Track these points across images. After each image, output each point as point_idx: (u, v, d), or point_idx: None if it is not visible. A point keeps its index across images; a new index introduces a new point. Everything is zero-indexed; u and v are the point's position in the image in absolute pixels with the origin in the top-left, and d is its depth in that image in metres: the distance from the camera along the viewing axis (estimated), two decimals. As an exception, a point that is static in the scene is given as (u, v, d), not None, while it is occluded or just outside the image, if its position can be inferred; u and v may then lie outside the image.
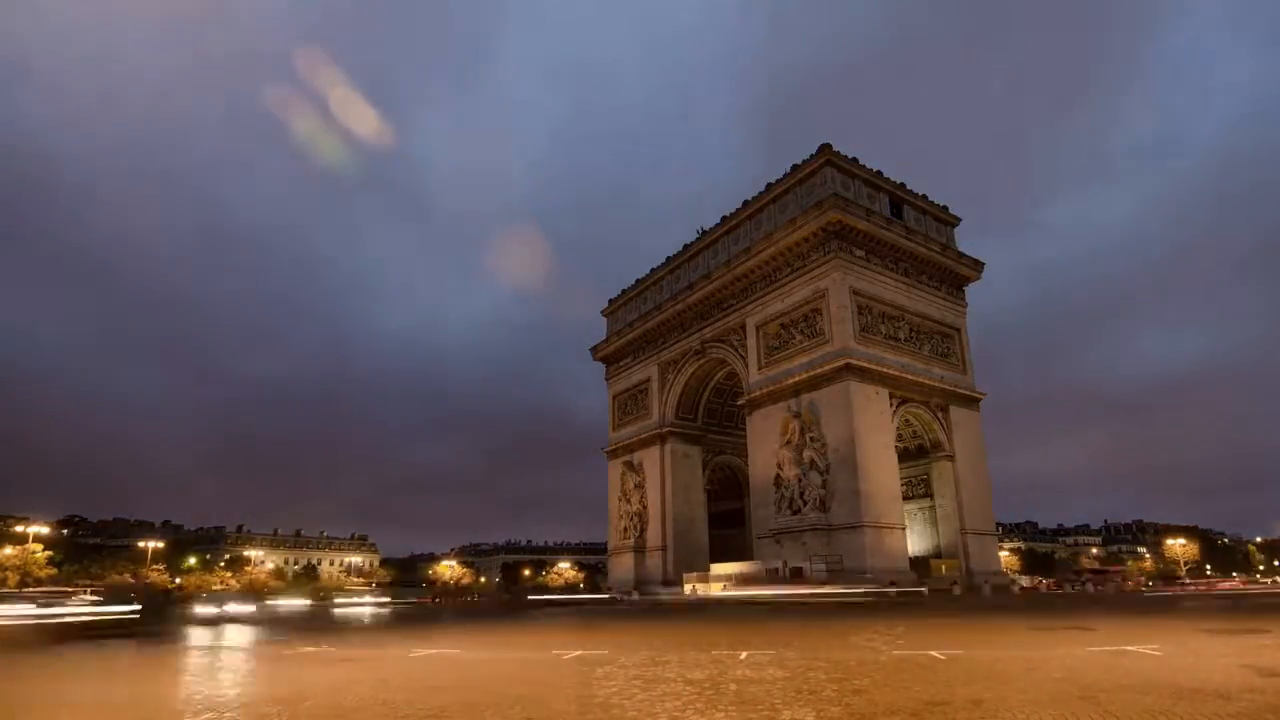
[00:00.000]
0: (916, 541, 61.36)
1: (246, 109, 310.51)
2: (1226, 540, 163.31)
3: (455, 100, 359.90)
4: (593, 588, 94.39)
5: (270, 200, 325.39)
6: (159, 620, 31.26)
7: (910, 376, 60.35)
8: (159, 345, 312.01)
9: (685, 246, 79.70)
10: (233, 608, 42.46)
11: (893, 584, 48.34)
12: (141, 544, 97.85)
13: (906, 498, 58.51)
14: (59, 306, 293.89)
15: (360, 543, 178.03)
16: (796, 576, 53.30)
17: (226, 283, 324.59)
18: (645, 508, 79.37)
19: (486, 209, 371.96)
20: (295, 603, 69.11)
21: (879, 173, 65.27)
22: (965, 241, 73.90)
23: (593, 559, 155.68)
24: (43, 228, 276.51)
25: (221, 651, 18.48)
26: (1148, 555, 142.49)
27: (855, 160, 63.80)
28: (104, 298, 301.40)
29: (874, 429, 56.42)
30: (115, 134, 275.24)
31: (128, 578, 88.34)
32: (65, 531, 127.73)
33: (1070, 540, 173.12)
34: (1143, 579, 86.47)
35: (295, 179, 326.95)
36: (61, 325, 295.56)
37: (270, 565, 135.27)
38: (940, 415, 62.46)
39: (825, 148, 62.73)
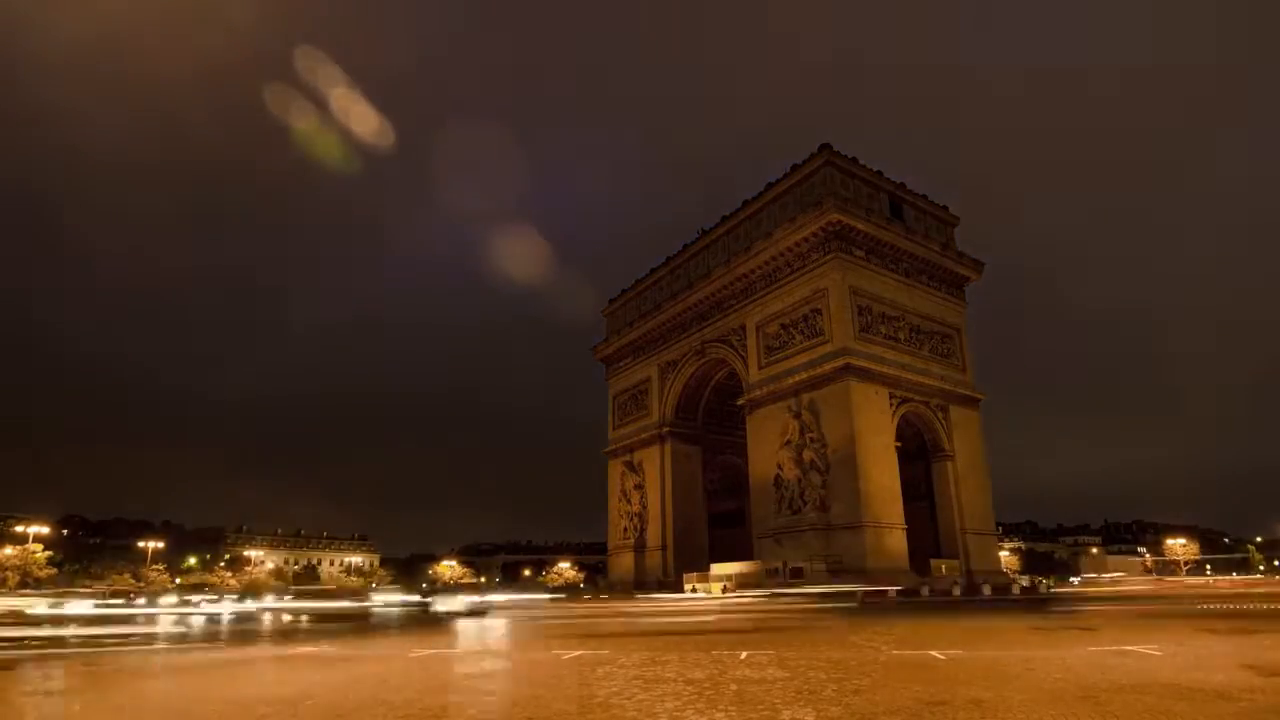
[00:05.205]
0: (916, 541, 61.29)
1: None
2: (1227, 540, 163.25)
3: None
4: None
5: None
6: None
7: (910, 376, 60.28)
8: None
9: (685, 246, 79.51)
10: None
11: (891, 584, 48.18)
12: (141, 544, 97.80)
13: (906, 498, 58.47)
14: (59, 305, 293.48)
15: (360, 542, 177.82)
16: (796, 576, 53.26)
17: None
18: (645, 507, 79.31)
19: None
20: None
21: (879, 173, 65.18)
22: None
23: (593, 559, 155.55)
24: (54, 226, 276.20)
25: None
26: (1148, 555, 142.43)
27: (855, 160, 63.68)
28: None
29: (874, 429, 56.38)
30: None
31: (127, 578, 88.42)
32: (65, 531, 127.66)
33: (1070, 540, 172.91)
34: None
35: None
36: (63, 324, 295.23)
37: (270, 565, 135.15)
38: (940, 415, 62.38)
39: (825, 148, 62.62)
